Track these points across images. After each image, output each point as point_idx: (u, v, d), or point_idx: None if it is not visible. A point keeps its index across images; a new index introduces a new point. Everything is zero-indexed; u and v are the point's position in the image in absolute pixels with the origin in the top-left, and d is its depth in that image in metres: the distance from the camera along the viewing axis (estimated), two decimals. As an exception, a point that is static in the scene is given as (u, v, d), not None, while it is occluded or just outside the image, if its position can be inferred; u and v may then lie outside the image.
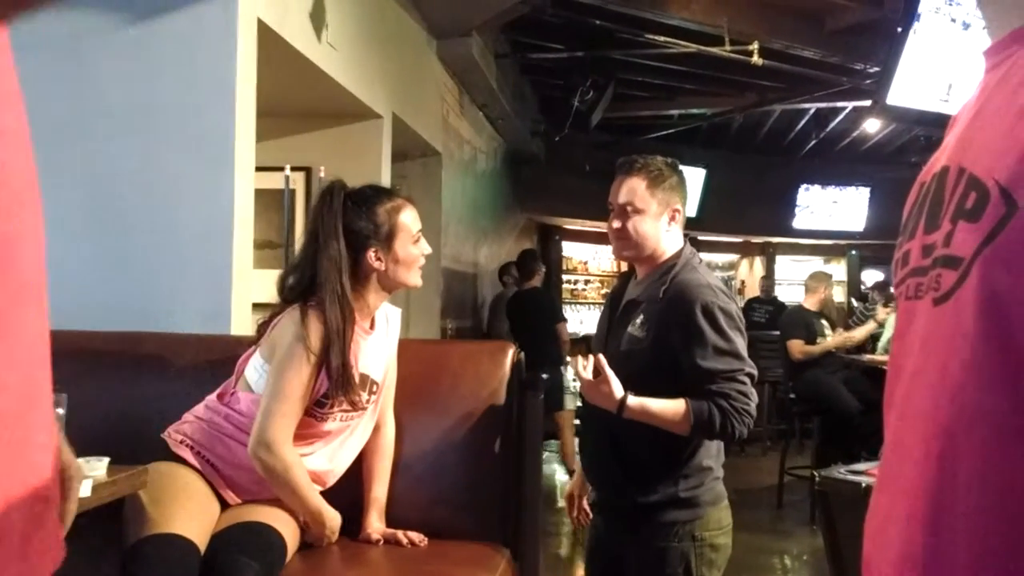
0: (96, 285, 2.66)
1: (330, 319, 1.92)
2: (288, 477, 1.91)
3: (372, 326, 2.08)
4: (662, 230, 2.11)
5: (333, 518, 2.00)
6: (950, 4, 3.80)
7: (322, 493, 2.02)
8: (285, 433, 1.90)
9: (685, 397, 1.95)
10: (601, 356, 2.01)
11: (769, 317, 8.49)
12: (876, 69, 5.61)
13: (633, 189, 2.11)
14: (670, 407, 1.95)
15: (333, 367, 1.92)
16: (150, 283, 2.74)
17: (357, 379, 1.99)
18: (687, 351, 1.97)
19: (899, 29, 3.80)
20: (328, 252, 1.95)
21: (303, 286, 1.98)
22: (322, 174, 3.84)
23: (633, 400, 1.95)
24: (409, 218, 2.05)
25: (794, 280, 12.50)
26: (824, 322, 5.72)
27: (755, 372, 2.01)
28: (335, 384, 1.93)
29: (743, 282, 12.27)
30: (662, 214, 2.10)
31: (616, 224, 2.12)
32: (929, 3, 3.73)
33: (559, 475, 6.62)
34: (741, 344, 1.99)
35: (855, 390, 5.49)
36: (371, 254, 1.99)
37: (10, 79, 0.54)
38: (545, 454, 6.00)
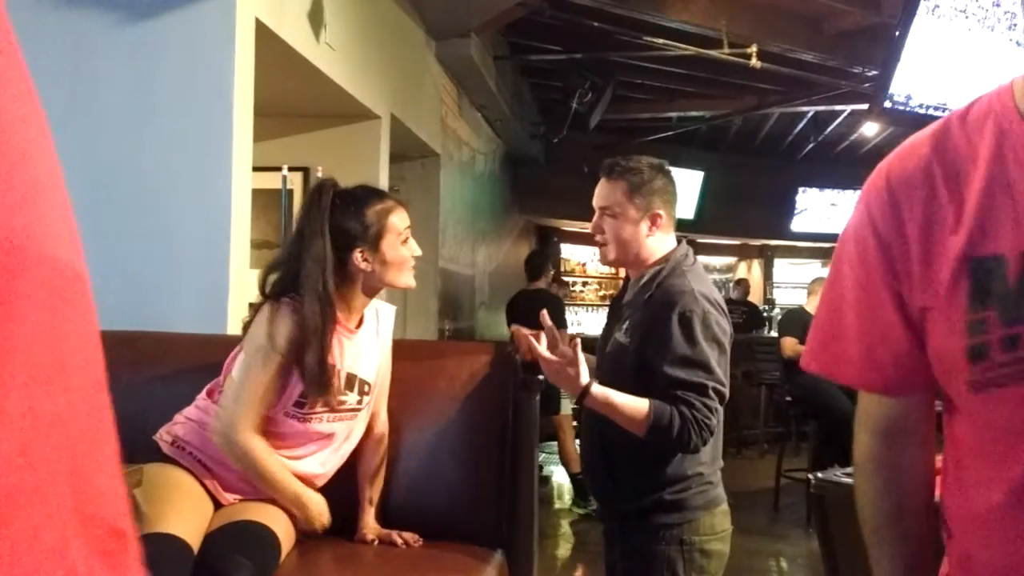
0: (91, 283, 2.66)
1: (308, 317, 1.89)
2: (252, 463, 1.89)
3: (359, 325, 2.06)
4: (642, 235, 2.06)
5: (316, 502, 1.97)
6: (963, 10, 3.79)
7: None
8: (241, 419, 1.88)
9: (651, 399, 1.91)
10: (570, 333, 1.97)
11: (745, 319, 8.55)
12: (874, 72, 5.61)
13: (611, 193, 2.08)
14: (632, 403, 1.90)
15: (307, 366, 1.89)
16: (146, 282, 2.74)
17: (343, 379, 1.98)
18: (657, 356, 1.94)
19: (896, 33, 3.80)
20: (313, 251, 1.91)
21: (285, 282, 1.95)
22: (319, 174, 3.85)
23: (597, 389, 1.90)
24: (398, 219, 2.01)
25: (792, 283, 12.53)
26: None
27: (724, 390, 1.95)
28: (310, 384, 1.90)
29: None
30: (641, 220, 2.06)
31: (594, 229, 2.10)
32: (927, 4, 3.73)
33: (556, 477, 6.62)
34: (713, 356, 1.93)
35: (851, 393, 5.47)
36: (357, 254, 1.96)
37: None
38: (543, 456, 5.99)
